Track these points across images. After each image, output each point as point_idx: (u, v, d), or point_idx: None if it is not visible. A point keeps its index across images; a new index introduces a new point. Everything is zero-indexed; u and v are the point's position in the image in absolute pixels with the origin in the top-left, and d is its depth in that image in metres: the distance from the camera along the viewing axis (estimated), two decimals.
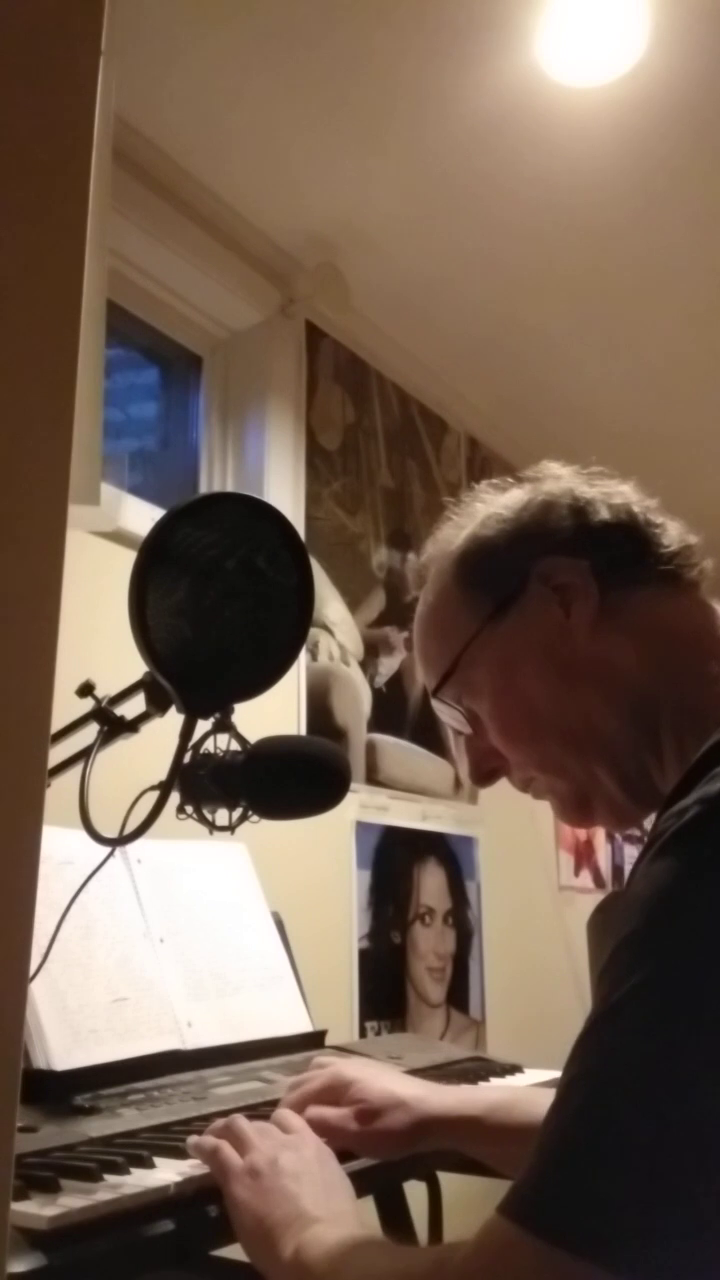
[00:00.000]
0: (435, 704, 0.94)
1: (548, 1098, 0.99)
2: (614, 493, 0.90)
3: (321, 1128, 0.94)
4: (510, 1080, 1.32)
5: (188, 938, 1.27)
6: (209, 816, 0.90)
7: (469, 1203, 1.42)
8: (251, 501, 0.91)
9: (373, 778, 2.38)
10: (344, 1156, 0.93)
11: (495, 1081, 1.30)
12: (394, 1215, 1.27)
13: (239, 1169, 0.85)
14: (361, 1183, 1.00)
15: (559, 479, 0.92)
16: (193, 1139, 0.90)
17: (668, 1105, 0.56)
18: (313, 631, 2.20)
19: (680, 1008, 0.57)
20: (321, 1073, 1.02)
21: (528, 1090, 1.08)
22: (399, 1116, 0.96)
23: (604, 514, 0.88)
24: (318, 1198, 0.81)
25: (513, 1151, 0.96)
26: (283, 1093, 1.04)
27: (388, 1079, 1.01)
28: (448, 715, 0.94)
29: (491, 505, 0.93)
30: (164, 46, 1.80)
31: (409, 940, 2.40)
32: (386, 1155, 0.98)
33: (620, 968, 0.60)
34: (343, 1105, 0.97)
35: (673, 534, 0.89)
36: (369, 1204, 1.23)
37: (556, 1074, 1.36)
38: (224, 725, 0.89)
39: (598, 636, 0.85)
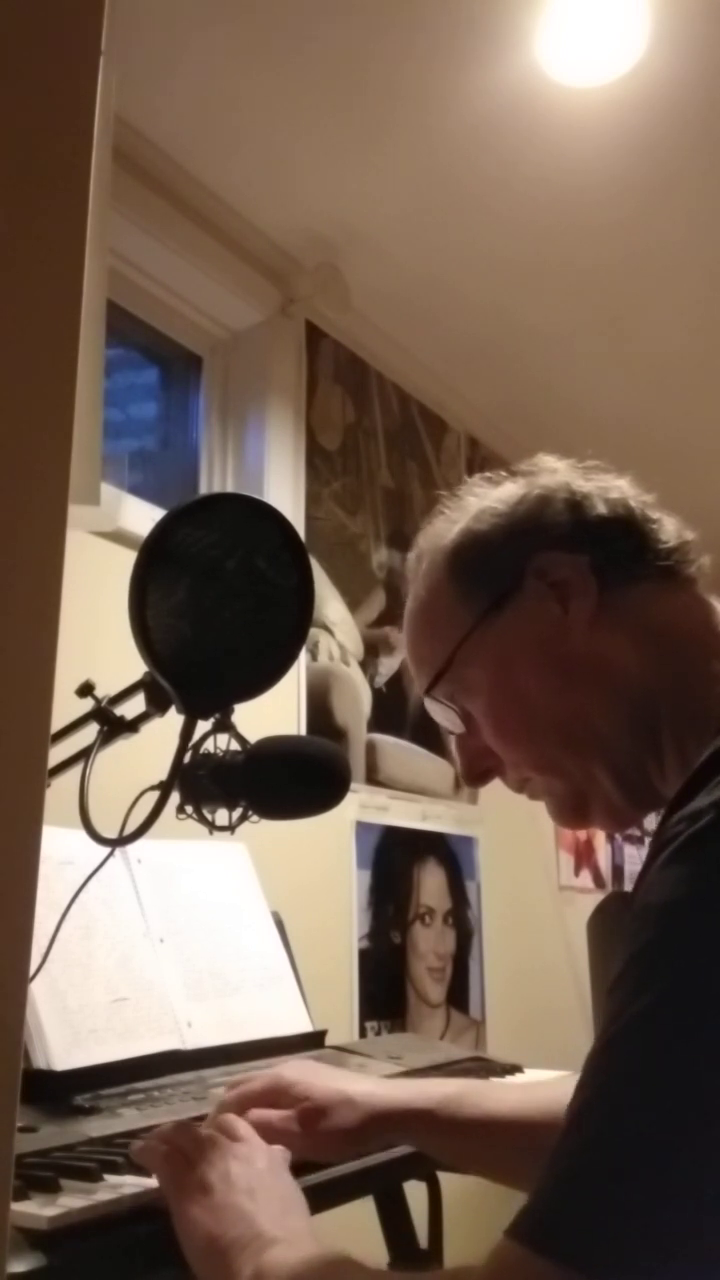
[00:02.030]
0: (428, 703, 0.92)
1: (500, 1090, 0.99)
2: (610, 487, 0.88)
3: (264, 1132, 0.88)
4: (510, 1080, 1.32)
5: (188, 938, 1.27)
6: (209, 816, 0.90)
7: (469, 1203, 1.42)
8: (251, 502, 0.91)
9: (373, 778, 2.38)
10: (302, 1169, 0.88)
11: (495, 1081, 1.30)
12: (394, 1215, 1.27)
13: (190, 1183, 0.80)
14: (361, 1183, 0.99)
15: (554, 473, 0.90)
16: (137, 1146, 0.85)
17: (680, 1127, 0.55)
18: (313, 631, 2.20)
19: (695, 1024, 0.56)
20: (261, 1074, 0.96)
21: (478, 1084, 1.05)
22: (346, 1114, 0.90)
23: (601, 509, 0.86)
24: (273, 1215, 0.77)
25: (465, 1145, 0.95)
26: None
27: (333, 1077, 0.96)
28: (440, 714, 0.92)
29: (485, 499, 0.90)
30: (164, 46, 1.80)
31: (409, 940, 2.40)
32: (336, 1157, 0.93)
33: (633, 981, 0.59)
34: (285, 1106, 0.92)
35: (670, 529, 0.87)
36: (368, 1204, 1.23)
37: (556, 1073, 1.37)
38: (224, 725, 0.89)
39: (596, 633, 0.83)
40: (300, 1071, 0.96)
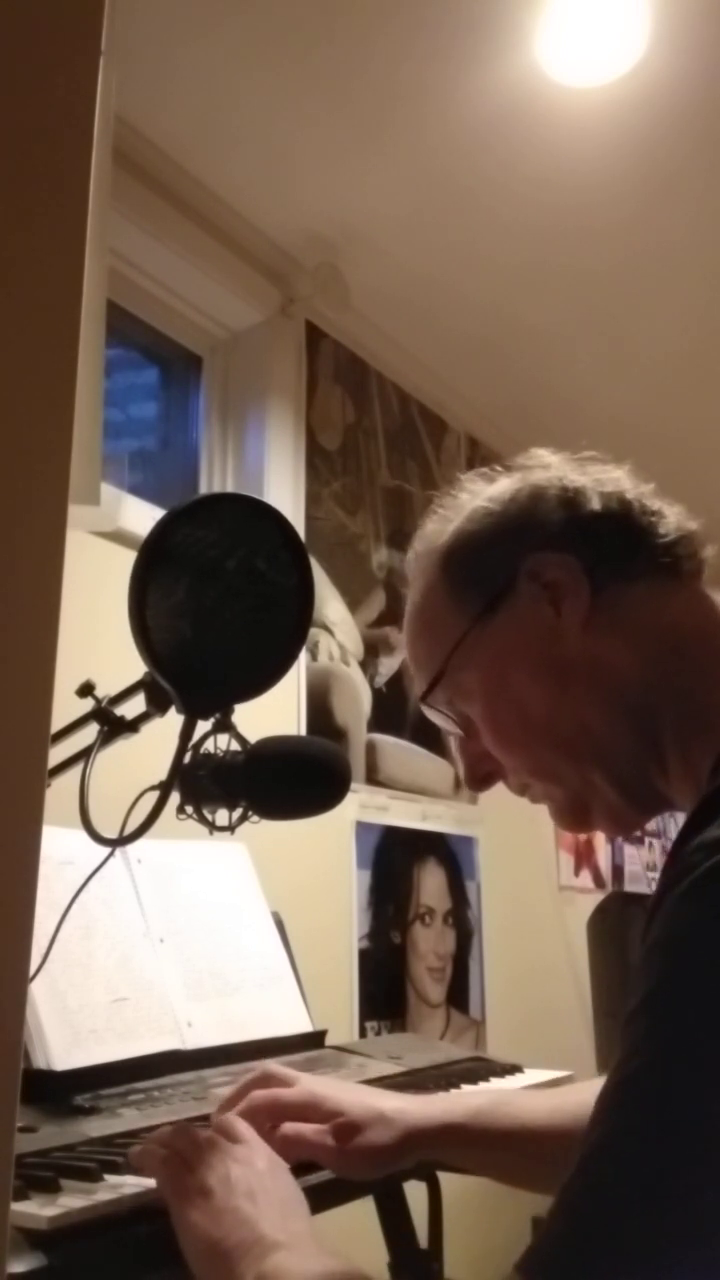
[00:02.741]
0: (425, 709, 0.90)
1: (529, 1099, 0.98)
2: (606, 480, 0.85)
3: (298, 1144, 0.87)
4: (510, 1080, 1.32)
5: (188, 938, 1.27)
6: (209, 816, 0.90)
7: (469, 1203, 1.42)
8: (251, 502, 0.91)
9: (373, 778, 2.38)
10: (301, 1169, 0.87)
11: (495, 1082, 1.30)
12: (394, 1215, 1.27)
13: (189, 1188, 0.79)
14: (361, 1183, 0.99)
15: (548, 467, 0.87)
16: (135, 1150, 0.84)
17: (690, 1173, 0.55)
18: (313, 631, 2.20)
19: (709, 1069, 0.56)
20: (295, 1089, 0.94)
21: (507, 1093, 1.04)
22: (382, 1131, 0.89)
23: (595, 503, 0.83)
24: (274, 1219, 0.76)
25: (500, 1157, 0.94)
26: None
27: (362, 1093, 0.95)
28: (439, 719, 0.90)
29: (478, 497, 0.88)
30: (164, 46, 1.80)
31: (409, 940, 2.40)
32: (370, 1173, 0.92)
33: (649, 1020, 0.59)
34: (317, 1120, 0.90)
35: (670, 521, 0.84)
36: (368, 1204, 1.23)
37: (556, 1074, 1.37)
38: (224, 725, 0.89)
39: (590, 636, 0.81)
40: (329, 1086, 0.95)
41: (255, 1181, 0.79)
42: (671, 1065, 0.57)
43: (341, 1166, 0.90)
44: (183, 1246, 0.77)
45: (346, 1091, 0.94)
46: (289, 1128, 0.89)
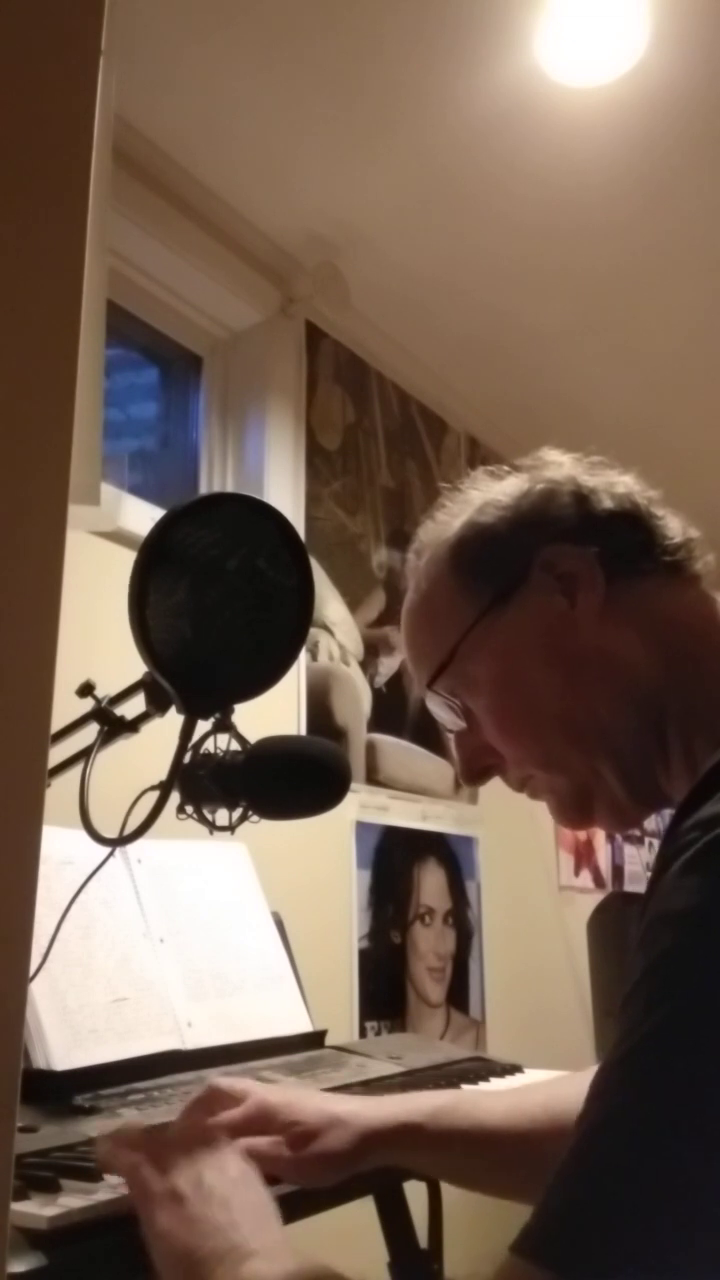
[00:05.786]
0: (428, 698, 0.90)
1: (488, 1100, 0.97)
2: (616, 483, 0.87)
3: (253, 1158, 0.84)
4: (510, 1080, 1.32)
5: (188, 938, 1.27)
6: (209, 816, 0.90)
7: (469, 1203, 1.42)
8: (252, 501, 0.90)
9: (373, 778, 2.38)
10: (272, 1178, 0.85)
11: (495, 1082, 1.30)
12: (394, 1215, 1.27)
13: (160, 1192, 0.77)
14: (361, 1183, 0.99)
15: (560, 466, 0.89)
16: (104, 1152, 0.82)
17: (691, 1147, 0.54)
18: (313, 631, 2.20)
19: (712, 1039, 0.55)
20: (247, 1103, 0.91)
21: (468, 1094, 1.03)
22: (338, 1135, 0.88)
23: (607, 503, 0.85)
24: (249, 1228, 0.74)
25: (457, 1158, 0.92)
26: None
27: (318, 1098, 0.93)
28: (441, 710, 0.90)
29: (488, 493, 0.89)
30: (164, 46, 1.81)
31: (409, 940, 2.40)
32: (327, 1180, 0.89)
33: (649, 994, 0.58)
34: (273, 1132, 0.88)
35: (675, 526, 0.87)
36: (368, 1204, 1.23)
37: (557, 1073, 1.36)
38: (224, 725, 0.89)
39: (603, 627, 0.82)
40: (284, 1095, 0.93)
41: (229, 1189, 0.78)
42: (678, 1037, 0.56)
43: (298, 1175, 0.88)
44: (152, 1251, 0.75)
45: (301, 1099, 0.92)
46: (243, 1142, 0.87)
